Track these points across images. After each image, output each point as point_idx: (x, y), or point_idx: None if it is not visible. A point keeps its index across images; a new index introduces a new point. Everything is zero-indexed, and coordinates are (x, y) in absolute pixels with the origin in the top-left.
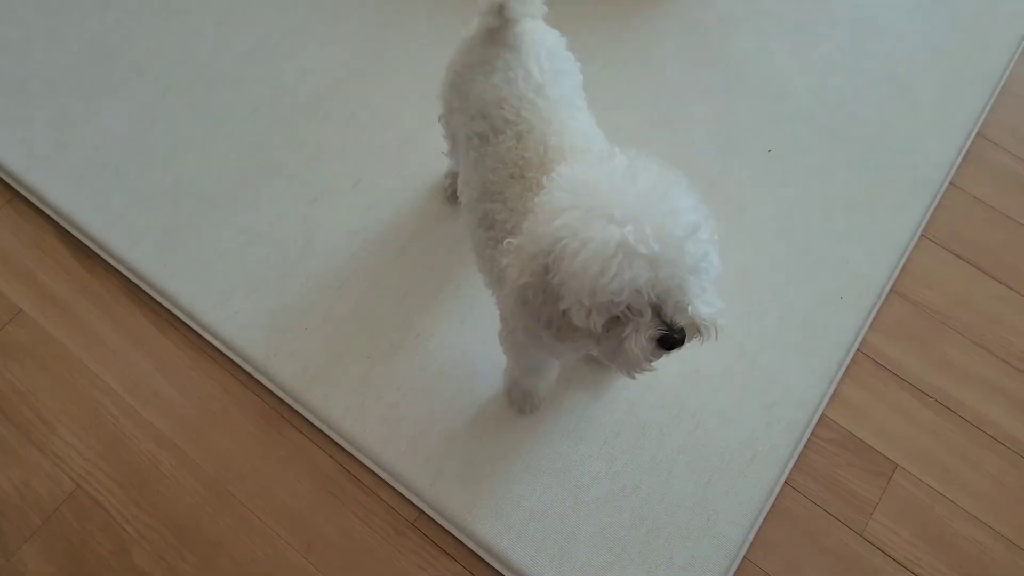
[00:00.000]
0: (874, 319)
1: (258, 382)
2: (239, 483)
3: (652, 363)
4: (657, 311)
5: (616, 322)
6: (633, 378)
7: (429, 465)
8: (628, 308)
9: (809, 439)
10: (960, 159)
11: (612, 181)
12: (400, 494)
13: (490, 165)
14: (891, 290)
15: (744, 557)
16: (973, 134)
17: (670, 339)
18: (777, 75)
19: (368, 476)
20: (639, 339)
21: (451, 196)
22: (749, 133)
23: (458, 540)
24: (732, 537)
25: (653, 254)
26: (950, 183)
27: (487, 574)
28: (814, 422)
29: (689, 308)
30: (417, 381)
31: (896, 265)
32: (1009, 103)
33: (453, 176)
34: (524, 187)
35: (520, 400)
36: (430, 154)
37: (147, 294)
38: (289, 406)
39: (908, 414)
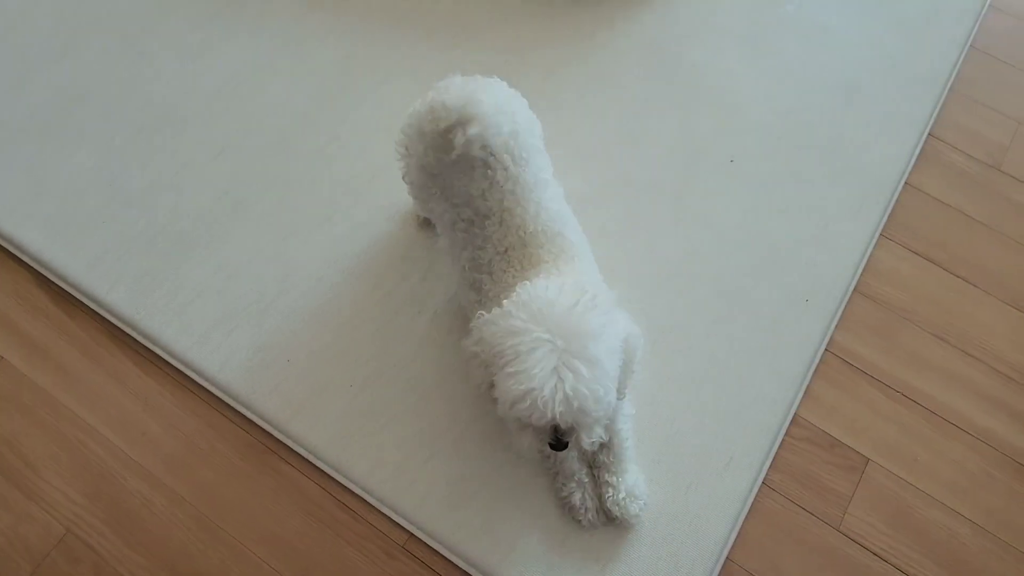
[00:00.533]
0: (840, 319)
1: (243, 416)
2: (229, 517)
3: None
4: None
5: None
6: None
7: (415, 488)
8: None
9: (783, 439)
10: (913, 159)
11: (551, 315)
12: (389, 518)
13: (479, 243)
14: (854, 290)
15: (727, 558)
16: (925, 134)
17: (555, 446)
18: (733, 86)
19: (356, 502)
20: (532, 441)
21: (423, 223)
22: (710, 144)
23: (448, 560)
24: (714, 538)
25: (559, 410)
26: (905, 183)
27: None
28: (787, 422)
29: (577, 436)
30: (399, 407)
31: (858, 265)
32: (958, 103)
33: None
34: (507, 263)
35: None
36: (399, 183)
37: (128, 335)
38: (275, 438)
39: (876, 408)
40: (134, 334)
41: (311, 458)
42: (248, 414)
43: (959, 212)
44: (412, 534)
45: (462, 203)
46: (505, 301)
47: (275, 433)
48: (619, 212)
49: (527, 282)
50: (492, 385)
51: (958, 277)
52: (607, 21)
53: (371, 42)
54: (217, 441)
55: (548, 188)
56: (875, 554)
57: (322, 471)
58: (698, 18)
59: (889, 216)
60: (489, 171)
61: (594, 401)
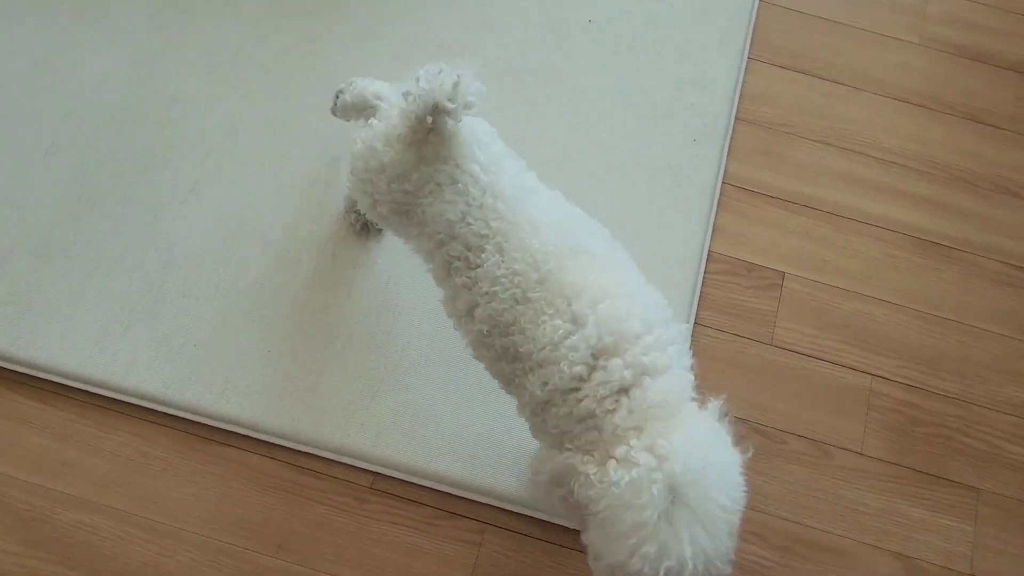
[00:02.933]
0: (729, 150)
1: (166, 414)
2: (185, 516)
3: None
4: None
5: None
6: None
7: (366, 429)
8: None
9: (704, 277)
10: None
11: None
12: (349, 465)
13: (487, 289)
14: (736, 118)
15: None
16: None
17: None
18: None
19: (312, 461)
20: None
21: (361, 229)
22: (568, 10)
23: (418, 485)
24: None
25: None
26: (760, 1)
27: (454, 505)
28: (704, 260)
29: None
30: (326, 356)
31: (734, 94)
32: None
33: (355, 209)
34: (536, 312)
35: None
36: (263, 129)
37: (13, 371)
38: (208, 425)
39: (780, 225)
40: (19, 368)
41: (252, 434)
42: (170, 410)
43: (816, 17)
44: (377, 473)
45: (446, 237)
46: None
47: (206, 421)
48: (497, 102)
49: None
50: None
51: (827, 80)
52: None
53: None
54: (147, 447)
55: (534, 195)
56: (810, 356)
57: (268, 443)
58: None
59: (752, 38)
60: (459, 185)
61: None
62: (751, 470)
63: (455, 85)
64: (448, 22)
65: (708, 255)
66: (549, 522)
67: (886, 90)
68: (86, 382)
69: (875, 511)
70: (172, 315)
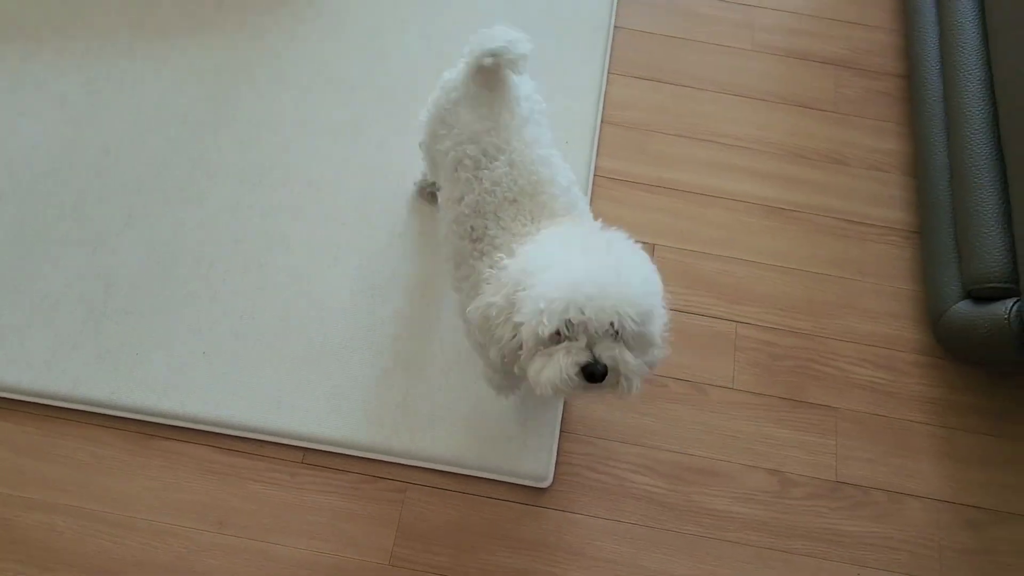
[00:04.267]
0: (597, 147)
1: (114, 416)
2: (135, 506)
3: (572, 389)
4: (590, 347)
5: (555, 340)
6: (551, 395)
7: (282, 407)
8: (568, 328)
9: None
10: (615, 5)
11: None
12: (281, 444)
13: (487, 187)
14: (602, 121)
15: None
16: None
17: (592, 368)
18: None
19: (246, 444)
20: (566, 359)
21: (429, 196)
22: (453, 46)
23: (346, 456)
24: None
25: (619, 301)
26: (615, 26)
27: (378, 469)
28: None
29: (618, 352)
30: (257, 349)
31: (598, 101)
32: None
33: (426, 181)
34: (518, 211)
35: (498, 386)
36: (187, 168)
37: None
38: (150, 422)
39: (646, 205)
40: None
41: (191, 426)
42: (117, 413)
43: (662, 36)
44: (307, 448)
45: (467, 140)
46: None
47: (149, 419)
48: (391, 127)
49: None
50: (512, 321)
51: (676, 85)
52: None
53: (110, 56)
54: (97, 447)
55: (550, 151)
56: (683, 311)
57: (206, 431)
58: None
59: (611, 55)
60: (495, 107)
61: (658, 302)
62: (639, 412)
63: (505, 42)
64: (346, 61)
65: None
66: (465, 475)
67: (728, 89)
68: (39, 395)
69: (749, 436)
70: (115, 331)
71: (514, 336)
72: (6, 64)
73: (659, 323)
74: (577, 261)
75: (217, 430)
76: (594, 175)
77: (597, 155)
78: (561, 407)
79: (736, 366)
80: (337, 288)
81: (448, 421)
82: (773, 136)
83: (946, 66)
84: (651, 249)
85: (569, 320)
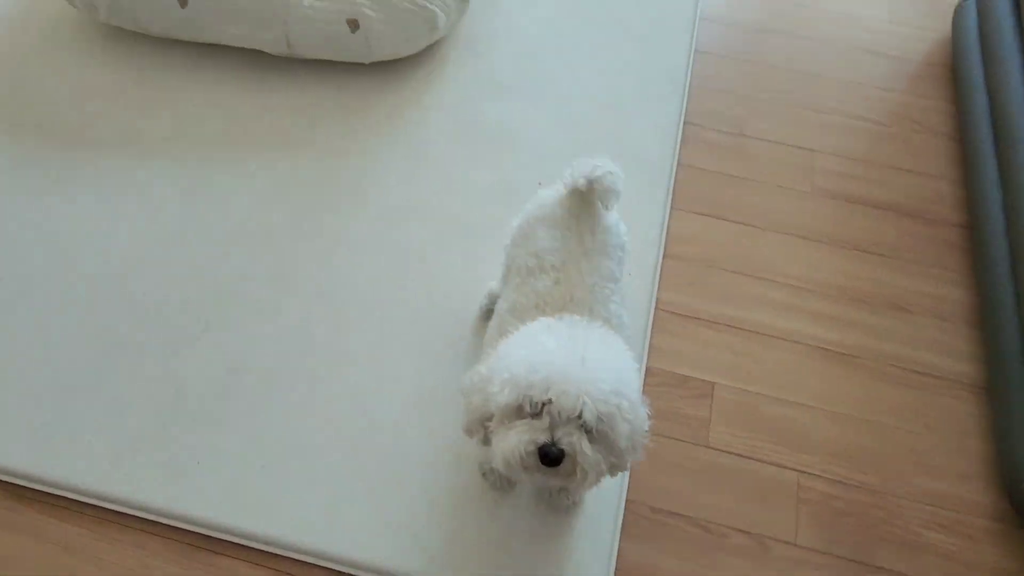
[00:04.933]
0: (659, 280)
1: (167, 525)
2: None
3: (524, 468)
4: (552, 429)
5: (522, 416)
6: (506, 471)
7: (335, 529)
8: (533, 406)
9: (644, 389)
10: (679, 144)
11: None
12: (329, 569)
13: (526, 292)
14: (664, 255)
15: (627, 500)
16: (681, 123)
17: (547, 448)
18: (525, 124)
19: (291, 564)
20: (524, 435)
21: (485, 314)
22: (520, 177)
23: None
24: (610, 485)
25: (562, 378)
26: (678, 164)
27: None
28: (643, 375)
29: (577, 439)
30: (285, 456)
31: (661, 235)
32: (698, 93)
33: (492, 298)
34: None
35: (492, 482)
36: (266, 284)
37: (32, 489)
38: (201, 534)
39: (707, 342)
40: (39, 486)
41: (241, 541)
42: (171, 522)
43: (724, 175)
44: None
45: (532, 254)
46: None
47: (201, 530)
48: (457, 256)
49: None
50: (487, 400)
51: (737, 223)
52: (413, 101)
53: (209, 168)
54: (147, 556)
55: (612, 285)
56: (743, 456)
57: (255, 549)
58: (485, 81)
59: (673, 191)
60: (569, 232)
61: (627, 401)
62: (698, 563)
63: (604, 172)
64: (426, 188)
65: (647, 370)
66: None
67: (788, 229)
68: (98, 497)
69: None
70: (178, 438)
71: (485, 405)
72: (121, 168)
73: (629, 428)
74: (551, 343)
75: (267, 548)
76: (655, 308)
77: (659, 288)
78: (614, 560)
79: (799, 520)
80: (400, 409)
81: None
82: (833, 279)
83: (1011, 220)
84: (710, 388)
85: (534, 399)
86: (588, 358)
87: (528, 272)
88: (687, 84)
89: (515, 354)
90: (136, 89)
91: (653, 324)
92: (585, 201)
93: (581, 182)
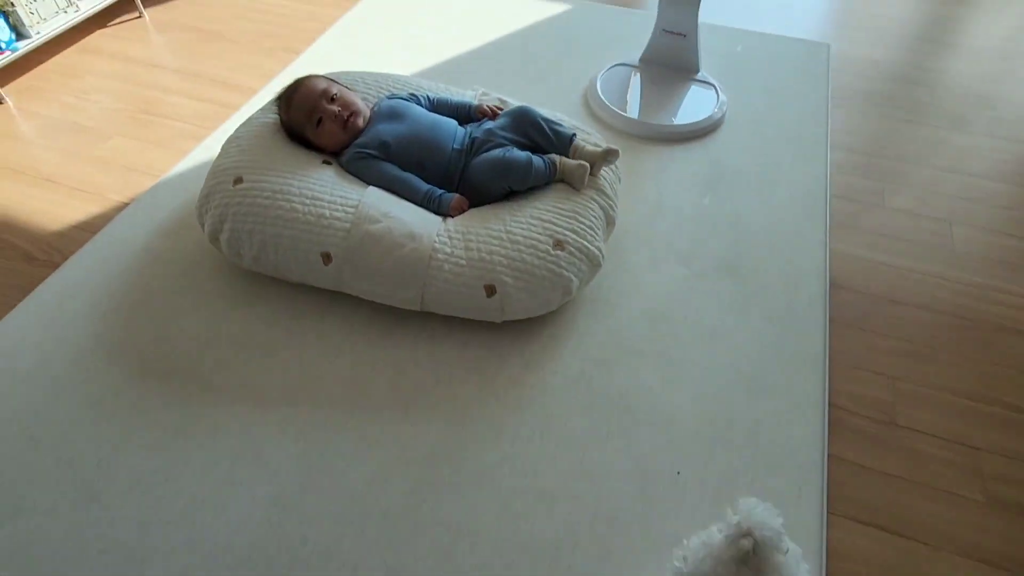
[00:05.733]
0: None
1: None
2: None
3: None
4: None
5: None
6: None
7: None
8: None
9: None
10: (826, 433)
11: None
12: None
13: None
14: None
15: None
16: (826, 405)
17: None
18: (656, 401)
19: None
20: None
21: None
22: (656, 462)
23: None
24: None
25: None
26: (829, 455)
27: None
28: None
29: None
30: None
31: (820, 551)
32: (840, 372)
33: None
34: None
35: None
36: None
37: None
38: None
39: None
40: None
41: None
42: None
43: (881, 473)
44: None
45: None
46: None
47: None
48: (593, 554)
49: None
50: None
51: (905, 538)
52: (538, 365)
53: (327, 431)
54: None
55: None
56: None
57: None
58: (612, 345)
59: (828, 492)
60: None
61: None
62: None
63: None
64: (550, 472)
65: None
66: None
67: (964, 549)
68: None
69: None
70: None
71: None
72: (238, 424)
73: None
74: None
75: None
76: None
77: None
78: None
79: None
80: None
81: None
82: None
83: None
84: None
85: None
86: None
87: None
88: (826, 360)
89: None
90: (264, 331)
91: None
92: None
93: (744, 543)
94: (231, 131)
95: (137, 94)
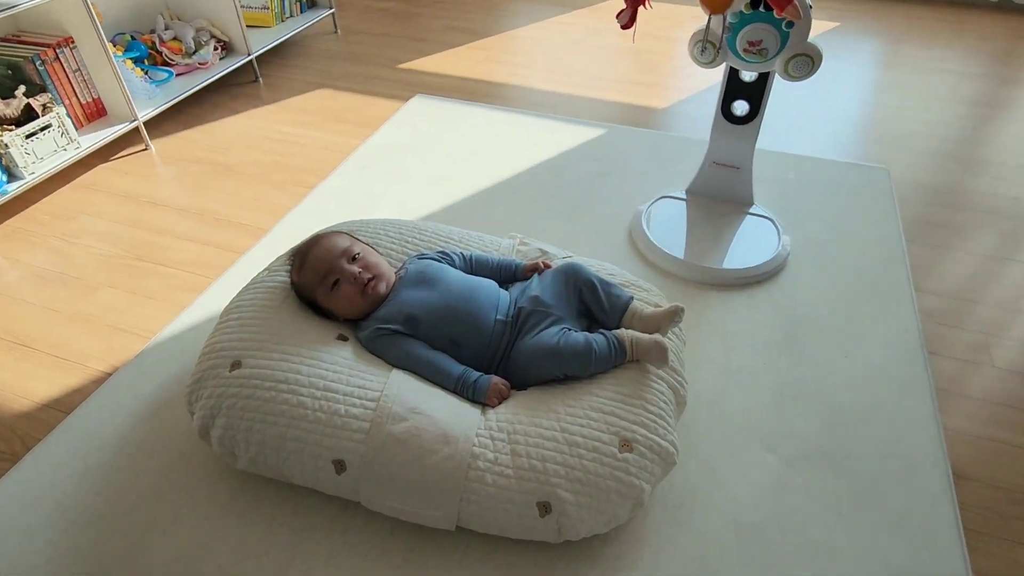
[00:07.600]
0: None
1: None
2: None
3: None
4: None
5: None
6: None
7: None
8: None
9: None
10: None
11: None
12: None
13: None
14: None
15: None
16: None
17: None
18: None
19: None
20: None
21: None
22: None
23: None
24: None
25: None
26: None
27: None
28: None
29: None
30: None
31: None
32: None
33: None
34: None
35: None
36: None
37: None
38: None
39: None
40: None
41: None
42: None
43: None
44: None
45: None
46: None
47: None
48: None
49: None
50: None
51: None
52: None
53: None
54: None
55: None
56: None
57: None
58: (694, 569)
59: None
60: None
61: None
62: None
63: None
64: None
65: None
66: None
67: None
68: None
69: None
70: None
71: None
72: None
73: None
74: None
75: None
76: None
77: None
78: None
79: None
80: None
81: None
82: None
83: None
84: None
85: None
86: None
87: None
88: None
89: None
90: (266, 538)
91: None
92: None
93: None
94: (234, 282)
95: (132, 237)
